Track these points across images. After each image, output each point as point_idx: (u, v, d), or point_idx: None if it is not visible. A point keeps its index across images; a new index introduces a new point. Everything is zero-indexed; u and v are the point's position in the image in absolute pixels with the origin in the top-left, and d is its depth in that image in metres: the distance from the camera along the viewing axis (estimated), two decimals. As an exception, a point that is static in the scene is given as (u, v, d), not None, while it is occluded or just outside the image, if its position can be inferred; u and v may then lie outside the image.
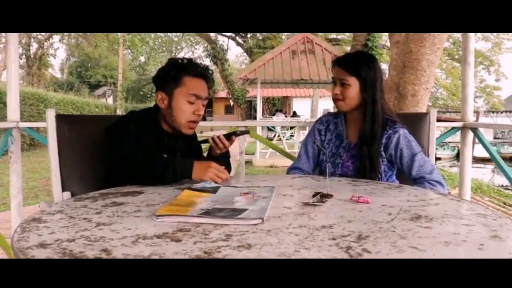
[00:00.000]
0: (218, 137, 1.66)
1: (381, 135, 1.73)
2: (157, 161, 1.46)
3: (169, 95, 1.62)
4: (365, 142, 1.73)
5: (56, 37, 28.53)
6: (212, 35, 22.52)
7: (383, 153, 1.74)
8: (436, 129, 2.04)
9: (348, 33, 17.61)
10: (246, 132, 1.86)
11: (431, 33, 4.14)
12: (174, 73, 1.62)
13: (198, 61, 1.69)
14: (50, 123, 1.77)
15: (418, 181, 1.70)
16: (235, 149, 2.52)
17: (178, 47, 35.59)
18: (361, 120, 1.76)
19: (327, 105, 18.21)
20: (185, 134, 1.67)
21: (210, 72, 1.68)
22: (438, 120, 2.09)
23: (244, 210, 1.01)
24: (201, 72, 1.64)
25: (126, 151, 1.51)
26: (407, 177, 1.74)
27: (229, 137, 1.69)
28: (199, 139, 1.86)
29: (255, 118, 19.67)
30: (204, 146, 1.87)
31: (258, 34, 23.69)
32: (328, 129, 1.88)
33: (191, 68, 1.63)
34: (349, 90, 1.72)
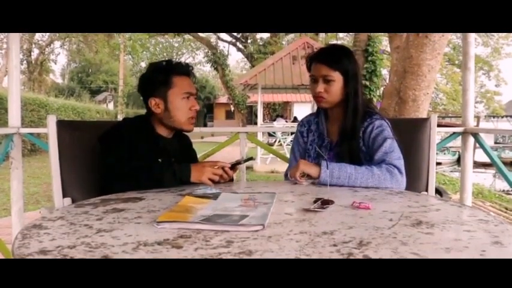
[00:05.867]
0: (223, 168, 1.59)
1: (359, 129, 1.67)
2: (154, 167, 1.50)
3: (163, 98, 1.64)
4: (346, 138, 1.67)
5: (57, 43, 28.64)
6: (212, 40, 22.61)
7: (363, 147, 1.67)
8: (436, 134, 2.04)
9: (348, 39, 17.66)
10: (250, 158, 1.86)
11: (432, 39, 4.16)
12: (162, 76, 1.64)
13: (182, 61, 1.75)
14: (51, 129, 1.78)
15: (378, 164, 1.56)
16: (236, 155, 2.52)
17: (179, 53, 35.66)
18: (343, 116, 1.70)
19: (327, 110, 18.16)
20: (187, 130, 1.72)
21: (191, 68, 1.72)
22: (439, 125, 2.09)
23: (245, 216, 1.01)
24: (186, 70, 1.69)
25: (120, 158, 1.52)
26: (372, 162, 1.61)
27: (234, 166, 1.65)
28: None
29: (255, 123, 19.68)
30: (199, 155, 1.87)
31: (258, 39, 23.76)
32: (310, 129, 1.83)
33: (177, 68, 1.67)
34: (334, 86, 1.66)
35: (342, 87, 1.66)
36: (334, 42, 18.33)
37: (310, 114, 1.89)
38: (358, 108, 1.67)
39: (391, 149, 1.59)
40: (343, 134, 1.69)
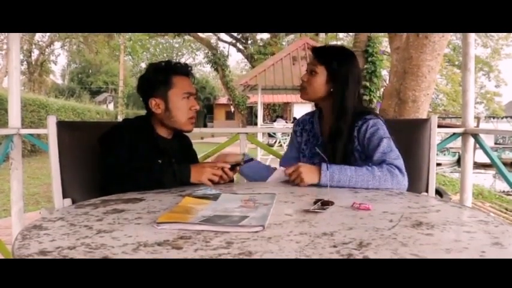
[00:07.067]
0: (223, 169, 1.57)
1: (352, 128, 1.66)
2: (154, 167, 1.50)
3: (163, 98, 1.64)
4: (331, 139, 1.66)
5: (57, 43, 28.65)
6: (213, 41, 22.61)
7: (358, 147, 1.66)
8: (436, 135, 2.04)
9: (348, 39, 17.67)
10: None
11: (432, 40, 4.16)
12: (162, 77, 1.65)
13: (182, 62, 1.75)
14: (51, 130, 1.78)
15: (378, 164, 1.54)
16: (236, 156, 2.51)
17: (179, 53, 35.68)
18: (330, 117, 1.70)
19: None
20: (187, 130, 1.72)
21: (190, 68, 1.72)
22: (439, 126, 2.09)
23: (245, 217, 1.01)
24: (185, 70, 1.69)
25: (120, 158, 1.52)
26: (370, 163, 1.57)
27: (234, 167, 1.63)
28: None
29: (255, 124, 19.69)
30: (199, 155, 1.87)
31: (258, 40, 23.76)
32: (304, 129, 1.84)
33: (177, 68, 1.67)
34: (315, 79, 1.68)
35: (324, 83, 1.68)
36: (334, 42, 18.34)
37: (306, 114, 1.90)
38: (344, 110, 1.65)
39: (389, 148, 1.58)
40: (329, 135, 1.69)
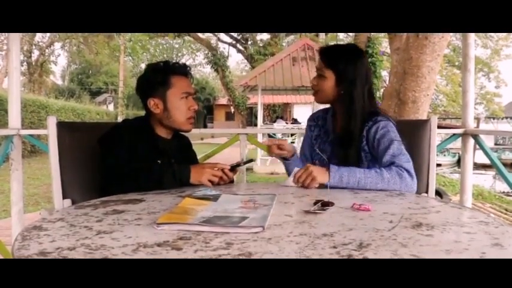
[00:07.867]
0: (223, 170, 1.57)
1: (362, 128, 1.65)
2: (153, 168, 1.51)
3: (162, 98, 1.65)
4: (341, 142, 1.66)
5: (58, 44, 28.62)
6: (213, 41, 22.59)
7: (366, 147, 1.65)
8: (436, 135, 2.04)
9: (348, 40, 17.63)
10: (250, 160, 1.85)
11: (432, 40, 4.16)
12: (160, 77, 1.65)
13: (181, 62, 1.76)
14: (51, 131, 1.78)
15: (387, 167, 1.53)
16: (236, 156, 2.52)
17: (179, 54, 35.67)
18: (342, 117, 1.70)
19: (327, 111, 18.10)
20: (186, 130, 1.72)
21: (188, 68, 1.73)
22: (439, 127, 2.09)
23: (245, 218, 1.01)
24: (184, 71, 1.69)
25: (120, 159, 1.52)
26: (379, 165, 1.57)
27: (234, 168, 1.63)
28: None
29: (255, 125, 19.68)
30: (200, 156, 1.87)
31: (258, 41, 23.75)
32: (317, 125, 1.84)
33: (175, 68, 1.68)
34: (324, 83, 1.67)
35: (333, 86, 1.67)
36: (334, 43, 18.28)
37: (321, 110, 1.89)
38: (354, 112, 1.64)
39: (399, 151, 1.56)
40: (340, 138, 1.68)
